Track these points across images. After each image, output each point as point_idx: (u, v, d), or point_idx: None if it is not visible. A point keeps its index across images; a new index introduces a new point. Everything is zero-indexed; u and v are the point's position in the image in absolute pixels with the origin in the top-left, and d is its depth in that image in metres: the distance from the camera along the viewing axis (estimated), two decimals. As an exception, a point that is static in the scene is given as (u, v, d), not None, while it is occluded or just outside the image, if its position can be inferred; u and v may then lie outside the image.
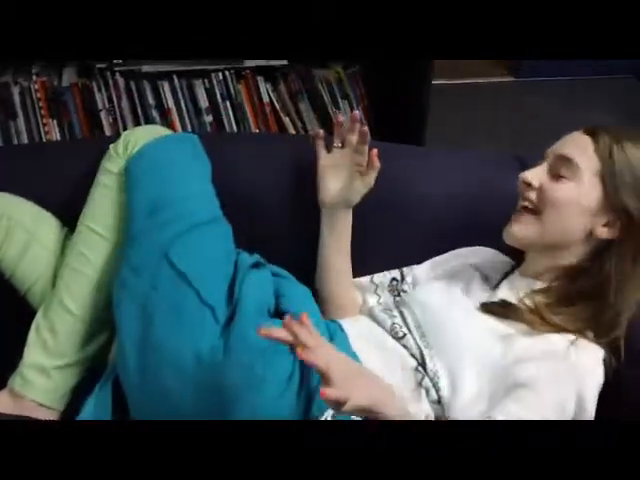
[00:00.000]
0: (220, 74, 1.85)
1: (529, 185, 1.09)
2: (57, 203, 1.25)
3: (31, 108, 1.79)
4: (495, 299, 1.10)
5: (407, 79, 1.87)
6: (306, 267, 1.26)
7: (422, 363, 1.03)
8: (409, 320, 1.10)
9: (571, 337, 1.02)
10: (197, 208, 1.11)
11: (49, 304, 1.13)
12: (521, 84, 3.40)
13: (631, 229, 1.05)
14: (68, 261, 1.15)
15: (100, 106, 1.82)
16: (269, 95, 1.88)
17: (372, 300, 1.26)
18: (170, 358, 1.01)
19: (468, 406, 0.99)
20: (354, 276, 1.27)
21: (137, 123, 1.82)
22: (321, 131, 1.22)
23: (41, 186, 1.27)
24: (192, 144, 1.20)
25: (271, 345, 1.01)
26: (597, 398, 1.00)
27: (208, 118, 1.86)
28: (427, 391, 1.02)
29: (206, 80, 1.85)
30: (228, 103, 1.86)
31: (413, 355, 1.05)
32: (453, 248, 1.29)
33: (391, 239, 1.32)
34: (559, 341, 1.02)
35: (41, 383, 1.10)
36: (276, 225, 1.30)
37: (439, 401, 1.01)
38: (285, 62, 1.85)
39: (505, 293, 1.11)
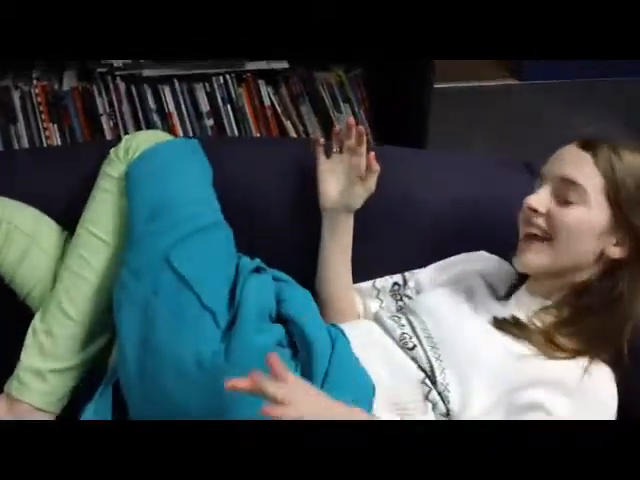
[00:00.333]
0: (221, 78, 1.85)
1: (535, 211, 1.06)
2: (57, 207, 1.25)
3: (32, 112, 1.79)
4: (506, 314, 1.08)
5: (408, 82, 1.87)
6: (307, 271, 1.25)
7: (431, 376, 1.02)
8: (418, 330, 1.08)
9: (583, 362, 1.01)
10: (198, 212, 1.11)
11: (47, 308, 1.13)
12: (524, 87, 3.40)
13: None
14: (68, 265, 1.15)
15: (101, 110, 1.82)
16: (270, 98, 1.87)
17: (374, 305, 1.25)
18: (171, 362, 1.00)
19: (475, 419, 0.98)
20: (355, 281, 1.27)
21: (138, 127, 1.82)
22: (320, 137, 1.22)
23: (41, 190, 1.27)
24: (193, 149, 1.20)
25: (273, 349, 1.02)
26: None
27: (209, 122, 1.86)
28: (434, 405, 1.01)
29: (207, 84, 1.85)
30: (229, 107, 1.86)
31: (421, 367, 1.04)
32: (455, 253, 1.28)
33: (392, 243, 1.32)
34: (572, 369, 1.00)
35: (37, 387, 1.10)
36: (277, 229, 1.30)
37: (447, 414, 1.00)
38: (286, 65, 1.85)
39: (515, 310, 1.10)
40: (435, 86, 1.87)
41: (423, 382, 1.02)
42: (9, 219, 1.17)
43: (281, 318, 1.07)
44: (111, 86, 1.82)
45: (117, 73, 1.81)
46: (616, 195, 1.03)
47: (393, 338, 1.08)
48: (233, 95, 1.85)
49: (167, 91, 1.84)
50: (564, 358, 1.02)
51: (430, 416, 1.01)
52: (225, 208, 1.16)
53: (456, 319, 1.09)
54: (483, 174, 1.39)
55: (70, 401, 1.13)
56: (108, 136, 1.82)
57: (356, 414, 0.88)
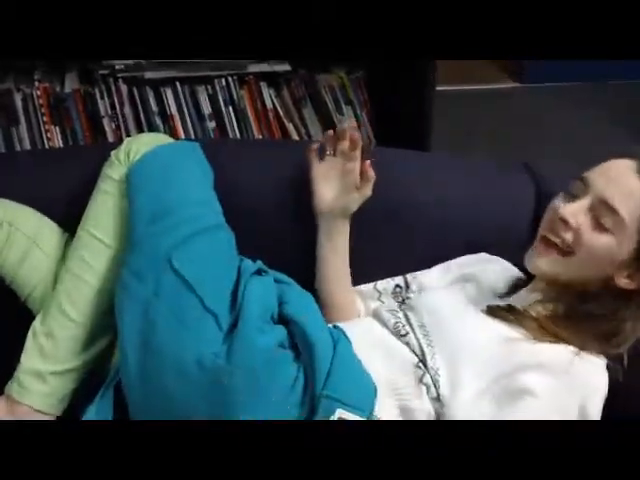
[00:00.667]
0: (223, 80, 1.84)
1: (566, 223, 1.04)
2: (58, 209, 1.25)
3: (33, 114, 1.79)
4: (501, 303, 1.09)
5: (410, 84, 1.87)
6: (308, 273, 1.25)
7: (423, 360, 1.03)
8: (412, 320, 1.10)
9: (574, 349, 1.01)
10: (199, 214, 1.10)
11: (47, 309, 1.13)
12: (525, 89, 3.41)
13: None
14: (69, 267, 1.14)
15: (102, 112, 1.82)
16: (272, 101, 1.87)
17: (377, 304, 1.25)
18: (172, 364, 1.00)
19: (468, 405, 0.98)
20: (356, 283, 1.27)
21: (140, 129, 1.82)
22: (314, 144, 1.21)
23: (42, 192, 1.27)
24: (194, 151, 1.20)
25: (275, 351, 1.02)
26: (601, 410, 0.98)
27: (211, 124, 1.86)
28: (428, 388, 1.01)
29: (209, 86, 1.85)
30: (231, 109, 1.85)
31: (414, 352, 1.04)
32: (457, 255, 1.28)
33: (393, 245, 1.32)
34: (562, 352, 1.01)
35: (37, 388, 1.09)
36: (278, 231, 1.30)
37: (438, 398, 1.00)
38: (288, 68, 1.85)
39: (512, 301, 1.11)
40: (437, 88, 1.87)
41: (417, 366, 1.03)
42: (10, 221, 1.17)
43: (283, 320, 1.07)
44: (113, 88, 1.82)
45: (119, 75, 1.81)
46: None
47: (387, 327, 1.10)
48: (235, 97, 1.85)
49: (169, 93, 1.83)
50: (555, 342, 1.02)
51: (425, 400, 1.01)
52: (226, 210, 1.16)
53: (450, 309, 1.10)
54: (483, 176, 1.39)
55: (71, 403, 1.13)
56: (110, 138, 1.82)
57: None
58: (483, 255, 1.27)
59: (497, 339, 1.03)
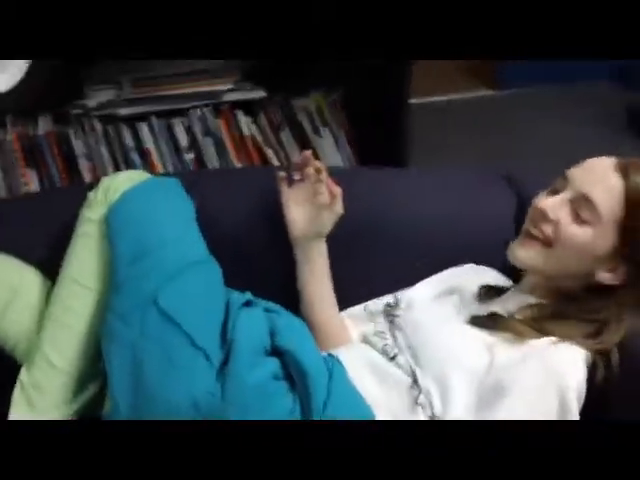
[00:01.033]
0: (198, 111, 1.84)
1: (545, 216, 1.06)
2: (39, 255, 1.23)
3: (8, 160, 1.77)
4: (484, 312, 1.10)
5: (385, 100, 1.87)
6: (298, 299, 1.24)
7: (415, 380, 1.03)
8: (400, 340, 1.10)
9: (553, 339, 1.02)
10: (183, 251, 1.10)
11: (32, 359, 1.10)
12: (499, 97, 3.44)
13: (638, 278, 1.04)
14: (52, 313, 1.13)
15: (78, 152, 1.80)
16: (249, 128, 1.87)
17: (368, 328, 1.23)
18: (165, 407, 0.98)
19: (460, 418, 0.99)
20: (346, 306, 1.26)
21: (117, 167, 1.80)
22: (281, 172, 1.22)
23: (22, 239, 1.25)
24: (173, 187, 1.19)
25: (269, 384, 1.01)
26: (582, 399, 0.98)
27: (189, 156, 1.84)
28: (423, 408, 1.01)
29: (184, 118, 1.84)
30: (208, 139, 1.84)
31: (406, 374, 1.04)
32: (443, 268, 1.28)
33: (380, 264, 1.31)
34: (539, 343, 1.02)
35: None
36: (265, 258, 1.29)
37: (433, 418, 1.00)
38: (263, 94, 1.85)
39: (496, 307, 1.11)
40: (411, 101, 1.88)
41: (411, 387, 1.03)
42: None
43: (276, 350, 1.06)
44: (87, 127, 1.80)
45: (92, 114, 1.80)
46: (631, 229, 1.02)
47: (377, 351, 1.10)
48: (211, 127, 1.84)
49: (144, 128, 1.82)
50: (539, 337, 1.03)
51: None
52: (210, 242, 1.15)
53: (434, 326, 1.11)
54: (463, 190, 1.40)
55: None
56: (86, 178, 1.80)
57: None
58: (470, 266, 1.27)
59: (480, 348, 1.04)
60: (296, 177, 1.21)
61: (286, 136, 1.89)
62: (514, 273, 1.19)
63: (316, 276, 1.23)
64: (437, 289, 1.25)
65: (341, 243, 1.24)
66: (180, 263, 1.07)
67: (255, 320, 1.08)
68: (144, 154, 1.82)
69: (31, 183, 1.78)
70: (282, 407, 0.99)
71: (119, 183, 1.15)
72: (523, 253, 1.09)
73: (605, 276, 1.05)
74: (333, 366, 1.06)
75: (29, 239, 1.25)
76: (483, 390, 1.00)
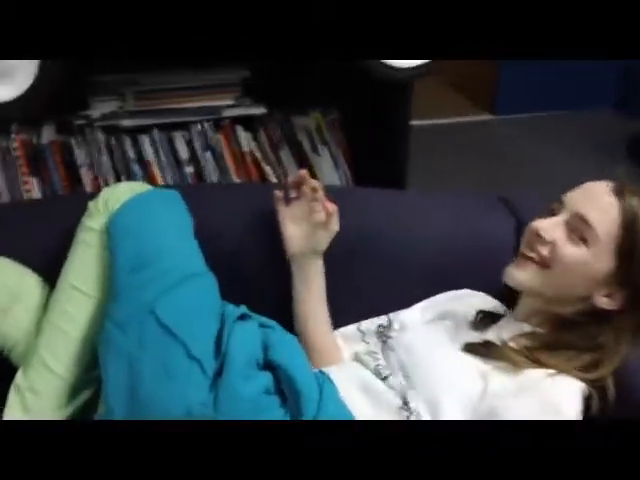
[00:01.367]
0: (199, 125, 1.86)
1: (541, 238, 1.06)
2: (39, 261, 1.24)
3: (11, 166, 1.79)
4: (479, 340, 1.10)
5: (385, 121, 1.89)
6: (293, 316, 1.25)
7: (406, 402, 1.03)
8: (393, 361, 1.10)
9: (549, 371, 1.02)
10: (181, 263, 1.11)
11: (29, 363, 1.11)
12: (497, 121, 3.45)
13: (636, 304, 1.04)
14: (50, 319, 1.14)
15: (80, 162, 1.82)
16: (249, 144, 1.88)
17: (360, 348, 1.24)
18: (160, 415, 0.99)
19: None
20: (340, 325, 1.27)
21: (118, 178, 1.82)
22: (279, 191, 1.23)
23: (22, 245, 1.26)
24: (173, 199, 1.21)
25: (261, 398, 1.02)
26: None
27: (189, 169, 1.86)
28: None
29: (185, 132, 1.86)
30: (208, 154, 1.86)
31: (397, 395, 1.05)
32: (438, 292, 1.28)
33: (374, 283, 1.32)
34: (535, 374, 1.02)
35: None
36: (261, 274, 1.30)
37: None
38: (264, 110, 1.87)
39: (491, 335, 1.11)
40: (411, 123, 1.90)
41: (402, 408, 1.03)
42: None
43: (268, 365, 1.07)
44: (90, 138, 1.82)
45: (95, 124, 1.82)
46: (629, 251, 1.03)
47: (369, 370, 1.10)
48: (211, 142, 1.86)
49: (146, 140, 1.84)
50: (534, 367, 1.03)
51: None
52: (208, 255, 1.16)
53: (428, 349, 1.10)
54: (460, 211, 1.40)
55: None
56: (88, 188, 1.82)
57: None
58: (466, 291, 1.28)
59: (474, 375, 1.04)
60: (292, 195, 1.22)
61: (285, 153, 1.91)
62: (509, 299, 1.19)
63: (311, 293, 1.23)
64: (431, 313, 1.25)
65: (336, 261, 1.25)
66: (178, 275, 1.08)
67: (249, 334, 1.09)
68: (145, 165, 1.84)
69: (33, 190, 1.79)
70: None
71: (120, 193, 1.16)
72: (520, 274, 1.08)
73: (603, 300, 1.05)
74: (324, 383, 1.06)
75: (30, 244, 1.26)
76: (476, 417, 0.99)
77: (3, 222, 1.31)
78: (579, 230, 1.04)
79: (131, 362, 1.02)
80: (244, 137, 1.88)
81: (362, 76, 1.55)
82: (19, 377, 1.11)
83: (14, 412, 1.09)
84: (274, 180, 1.88)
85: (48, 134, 1.82)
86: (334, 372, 1.11)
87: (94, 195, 1.21)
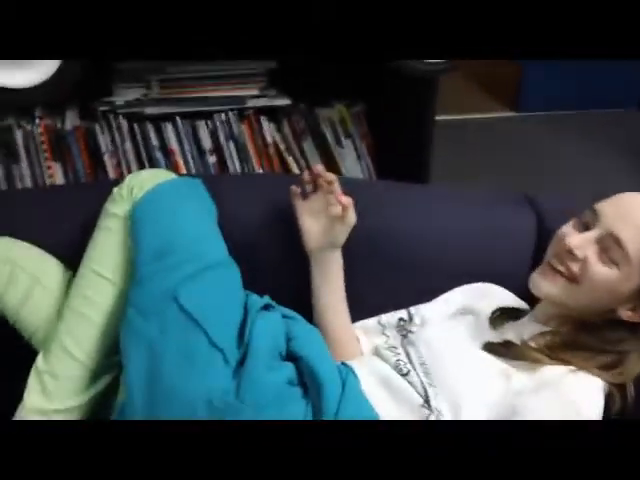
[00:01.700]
0: (223, 115, 1.85)
1: (573, 254, 1.05)
2: (61, 246, 1.24)
3: (34, 151, 1.80)
4: (499, 339, 1.10)
5: (409, 115, 1.88)
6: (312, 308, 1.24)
7: (427, 400, 1.02)
8: (413, 357, 1.09)
9: (571, 367, 1.01)
10: (205, 251, 1.10)
11: (50, 348, 1.11)
12: (520, 118, 3.44)
13: None
14: (72, 305, 1.13)
15: (103, 149, 1.82)
16: (272, 135, 1.88)
17: (380, 341, 1.23)
18: (180, 402, 0.98)
19: None
20: (359, 318, 1.26)
21: (141, 165, 1.82)
22: (295, 187, 1.22)
23: (45, 229, 1.27)
24: (197, 187, 1.20)
25: (284, 388, 1.01)
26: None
27: (212, 159, 1.86)
28: None
29: (209, 121, 1.86)
30: (231, 144, 1.86)
31: (418, 392, 1.04)
32: (458, 284, 1.27)
33: (392, 278, 1.31)
34: (556, 371, 1.01)
35: None
36: (283, 265, 1.29)
37: None
38: (288, 102, 1.86)
39: (510, 334, 1.11)
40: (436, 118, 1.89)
41: (422, 406, 1.02)
42: (13, 259, 1.17)
43: (291, 356, 1.06)
44: (114, 124, 1.83)
45: (119, 111, 1.82)
46: None
47: (390, 365, 1.09)
48: (235, 132, 1.86)
49: (169, 129, 1.84)
50: (555, 364, 1.02)
51: None
52: (230, 245, 1.15)
53: (449, 346, 1.10)
54: (483, 208, 1.39)
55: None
56: (111, 174, 1.82)
57: None
58: (486, 285, 1.27)
59: (494, 374, 1.03)
60: (309, 190, 1.21)
61: (308, 145, 1.90)
62: (529, 295, 1.17)
63: (330, 286, 1.23)
64: (451, 308, 1.24)
65: (354, 254, 1.24)
66: (202, 263, 1.07)
67: (273, 324, 1.08)
68: (168, 154, 1.84)
69: (56, 176, 1.80)
70: (294, 413, 0.99)
71: (144, 180, 1.16)
72: (546, 286, 1.07)
73: (627, 314, 1.04)
74: (347, 376, 1.06)
75: (52, 230, 1.26)
76: (497, 416, 0.99)
77: (26, 207, 1.32)
78: (612, 250, 1.02)
79: (152, 348, 1.01)
80: (268, 128, 1.88)
81: (388, 69, 1.54)
82: (39, 361, 1.11)
83: (34, 396, 1.09)
84: (296, 171, 1.87)
85: (72, 120, 1.83)
86: (355, 366, 1.11)
87: (117, 182, 1.20)
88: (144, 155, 1.83)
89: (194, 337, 1.01)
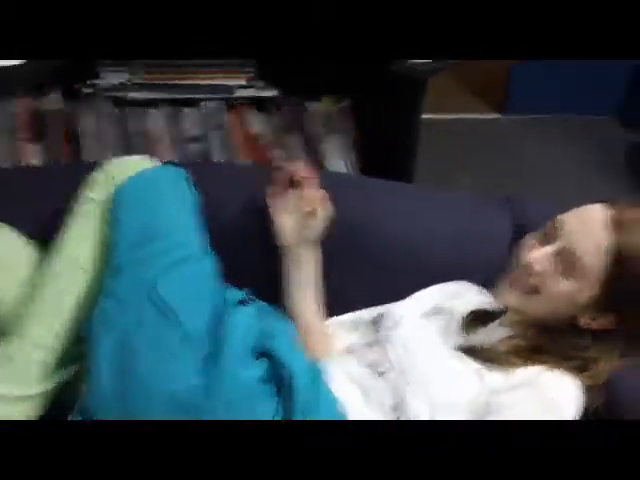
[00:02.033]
0: (210, 103, 1.83)
1: (532, 268, 1.07)
2: (34, 228, 1.22)
3: (14, 131, 1.76)
4: (473, 342, 1.11)
5: (397, 113, 1.87)
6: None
7: (401, 401, 1.03)
8: (388, 356, 1.09)
9: (545, 366, 1.03)
10: (184, 242, 1.09)
11: (16, 332, 1.09)
12: (506, 121, 3.46)
13: (621, 325, 1.04)
14: (42, 290, 1.12)
15: (85, 131, 1.80)
16: (259, 126, 1.86)
17: (354, 337, 1.23)
18: (151, 394, 0.98)
19: None
20: (337, 313, 1.26)
21: (122, 150, 1.79)
22: (271, 187, 1.22)
23: (18, 210, 1.25)
24: (179, 176, 1.19)
25: (256, 385, 1.01)
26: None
27: (196, 147, 1.84)
28: None
29: (194, 109, 1.84)
30: (217, 133, 1.84)
31: (392, 392, 1.04)
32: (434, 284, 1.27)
33: (369, 276, 1.31)
34: (531, 370, 1.03)
35: (2, 412, 1.06)
36: (264, 255, 1.28)
37: None
38: (277, 93, 1.85)
39: (481, 338, 1.12)
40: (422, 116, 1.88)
41: (395, 406, 1.03)
42: None
43: (264, 352, 1.05)
44: (96, 107, 1.80)
45: (103, 94, 1.79)
46: (615, 284, 1.02)
47: (365, 366, 1.09)
48: (221, 121, 1.84)
49: (153, 114, 1.82)
50: (528, 365, 1.04)
51: None
52: (212, 235, 1.15)
53: (423, 346, 1.11)
54: (465, 209, 1.40)
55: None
56: (91, 158, 1.79)
57: None
58: (461, 284, 1.27)
59: (470, 375, 1.04)
60: (284, 186, 1.21)
61: (294, 138, 1.89)
62: None
63: (303, 282, 1.23)
64: (426, 307, 1.24)
65: (337, 250, 1.25)
66: (181, 253, 1.07)
67: (248, 319, 1.08)
68: (151, 140, 1.82)
69: (34, 156, 1.77)
70: (265, 410, 0.99)
71: (125, 167, 1.15)
72: (508, 296, 1.10)
73: (589, 322, 1.06)
74: (319, 375, 1.06)
75: (26, 211, 1.24)
76: (473, 415, 1.00)
77: (1, 186, 1.29)
78: (569, 264, 1.04)
79: (126, 339, 1.00)
80: (254, 119, 1.86)
81: (378, 67, 1.53)
82: (3, 346, 1.09)
83: None
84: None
85: (54, 101, 1.79)
86: (329, 364, 1.10)
87: (97, 166, 1.19)
88: (126, 140, 1.80)
89: (169, 329, 1.00)
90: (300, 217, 1.19)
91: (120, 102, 1.81)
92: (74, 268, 1.12)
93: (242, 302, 1.11)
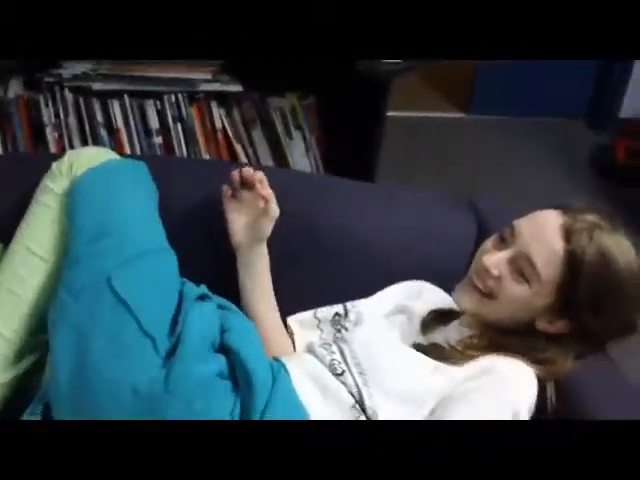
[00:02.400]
0: (173, 96, 1.82)
1: (488, 271, 1.08)
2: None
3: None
4: (433, 340, 1.12)
5: (361, 111, 1.88)
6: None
7: (359, 401, 1.03)
8: (348, 357, 1.09)
9: (501, 355, 1.05)
10: (143, 236, 1.09)
11: None
12: (470, 120, 3.49)
13: (576, 329, 1.06)
14: (1, 280, 1.11)
15: (46, 121, 1.77)
16: (222, 121, 1.86)
17: (314, 335, 1.24)
18: (107, 388, 0.97)
19: None
20: (297, 311, 1.26)
21: (84, 141, 1.78)
22: (227, 188, 1.22)
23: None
24: (140, 170, 1.19)
25: (214, 381, 1.00)
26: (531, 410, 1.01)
27: (158, 140, 1.83)
28: None
29: (158, 101, 1.82)
30: (179, 126, 1.83)
31: (351, 392, 1.04)
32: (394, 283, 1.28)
33: (333, 274, 1.32)
34: (487, 358, 1.04)
35: None
36: (224, 255, 1.27)
37: None
38: (240, 88, 1.84)
39: (439, 337, 1.13)
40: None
41: (353, 407, 1.03)
42: None
43: (224, 348, 1.05)
44: (58, 97, 1.77)
45: (66, 84, 1.77)
46: (569, 290, 1.03)
47: (324, 365, 1.09)
48: (184, 114, 1.83)
49: (116, 106, 1.80)
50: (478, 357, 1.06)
51: None
52: (170, 229, 1.15)
53: (383, 345, 1.11)
54: (423, 208, 1.41)
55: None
56: (52, 148, 1.77)
57: None
58: (421, 283, 1.28)
59: (430, 373, 1.04)
60: (237, 187, 1.21)
61: (257, 134, 1.88)
62: None
63: (255, 280, 1.23)
64: (387, 307, 1.25)
65: (295, 248, 1.26)
66: (139, 248, 1.06)
67: (207, 315, 1.07)
68: (113, 131, 1.80)
69: (-7, 145, 1.75)
70: (223, 406, 0.98)
71: (85, 158, 1.14)
72: (465, 300, 1.11)
73: (545, 326, 1.07)
74: (278, 372, 1.05)
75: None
76: (434, 410, 1.01)
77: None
78: (524, 269, 1.05)
79: (81, 331, 1.00)
80: (218, 113, 1.85)
81: (343, 65, 1.54)
82: None
83: None
84: (244, 159, 1.86)
85: (15, 89, 1.77)
86: (288, 362, 1.10)
87: (58, 156, 1.18)
88: (88, 131, 1.78)
89: (124, 323, 1.00)
90: (251, 215, 1.20)
91: (83, 92, 1.79)
92: (32, 259, 1.11)
93: (201, 297, 1.10)
